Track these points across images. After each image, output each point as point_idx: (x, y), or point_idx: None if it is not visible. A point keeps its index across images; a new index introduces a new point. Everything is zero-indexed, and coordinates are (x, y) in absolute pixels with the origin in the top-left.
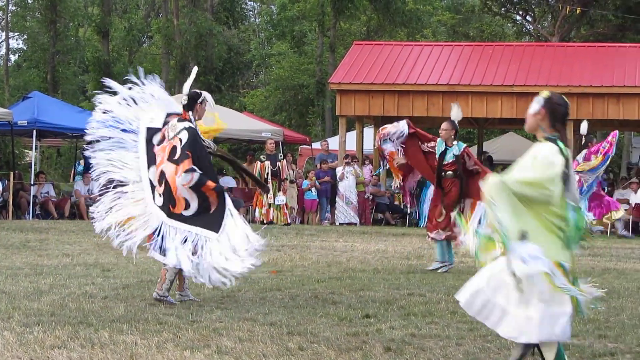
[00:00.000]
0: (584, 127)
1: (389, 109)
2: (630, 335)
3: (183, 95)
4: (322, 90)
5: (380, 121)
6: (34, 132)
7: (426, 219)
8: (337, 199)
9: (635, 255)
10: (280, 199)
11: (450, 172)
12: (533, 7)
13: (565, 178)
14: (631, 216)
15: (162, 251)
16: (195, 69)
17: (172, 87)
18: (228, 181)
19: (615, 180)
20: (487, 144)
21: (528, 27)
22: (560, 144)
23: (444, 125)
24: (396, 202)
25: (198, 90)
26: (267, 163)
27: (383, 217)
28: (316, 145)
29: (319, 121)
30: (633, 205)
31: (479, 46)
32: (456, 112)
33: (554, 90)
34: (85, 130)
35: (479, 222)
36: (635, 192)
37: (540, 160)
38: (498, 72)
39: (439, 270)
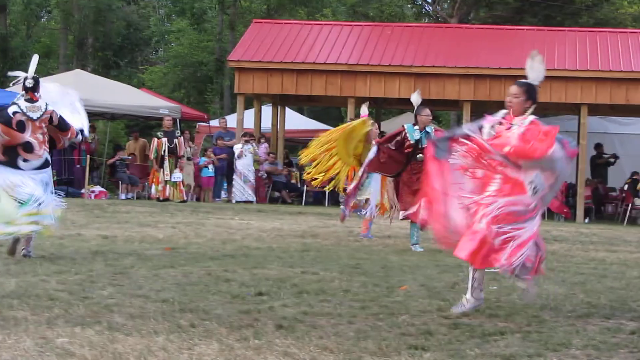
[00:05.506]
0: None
1: (288, 88)
2: (520, 315)
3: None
4: (221, 68)
5: (278, 99)
6: None
7: (376, 208)
8: (234, 176)
9: None
10: (177, 176)
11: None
12: None
13: None
14: None
15: None
16: (36, 57)
17: (70, 63)
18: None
19: None
20: (385, 124)
21: (427, 9)
22: None
23: (427, 111)
24: (293, 181)
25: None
26: (164, 140)
27: (280, 195)
28: (214, 122)
29: (218, 99)
30: None
31: (378, 26)
32: (416, 97)
33: (452, 72)
34: None
35: None
36: None
37: None
38: (397, 53)
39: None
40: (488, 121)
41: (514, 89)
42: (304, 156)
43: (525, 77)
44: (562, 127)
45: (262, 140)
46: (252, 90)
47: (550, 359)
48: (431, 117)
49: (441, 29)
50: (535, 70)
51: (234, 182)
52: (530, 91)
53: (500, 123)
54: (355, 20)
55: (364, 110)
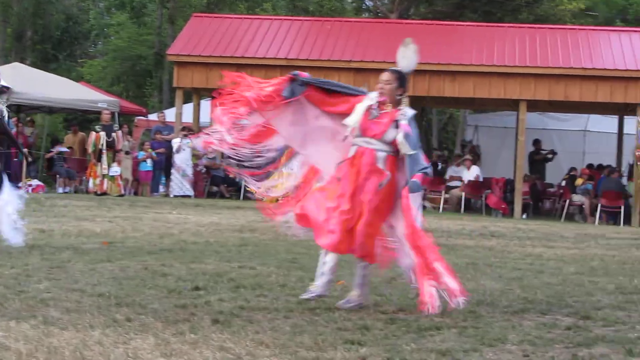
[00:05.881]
0: None
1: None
2: (456, 310)
3: None
4: (160, 62)
5: (217, 94)
6: None
7: None
8: (172, 171)
9: (465, 231)
10: (115, 169)
11: None
12: None
13: None
14: (463, 193)
15: None
16: None
17: (9, 56)
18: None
19: (448, 157)
20: None
21: (367, 4)
22: None
23: None
24: (231, 175)
25: None
26: (102, 134)
27: (218, 189)
28: (153, 116)
29: (157, 93)
30: (466, 182)
31: (318, 21)
32: None
33: (391, 67)
34: None
35: None
36: (469, 169)
37: None
38: (336, 47)
39: None
40: (368, 100)
41: (386, 75)
42: None
43: (461, 72)
44: (501, 123)
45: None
46: (191, 85)
47: (486, 354)
48: None
49: (381, 24)
50: (407, 59)
51: (172, 177)
52: (402, 79)
53: (373, 108)
54: (295, 14)
55: None
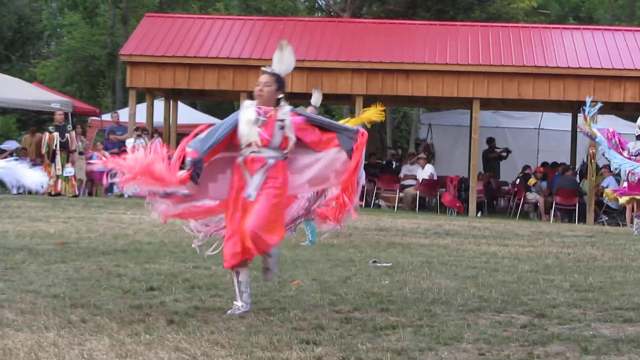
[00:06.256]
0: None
1: (180, 82)
2: (412, 309)
3: None
4: (113, 62)
5: (171, 94)
6: None
7: None
8: None
9: (420, 230)
10: (69, 170)
11: None
12: None
13: None
14: (418, 192)
15: None
16: None
17: None
18: (12, 144)
19: (402, 156)
20: None
21: (320, 3)
22: None
23: (310, 109)
24: None
25: None
26: (56, 134)
27: None
28: (106, 117)
29: (110, 93)
30: (420, 181)
31: (271, 20)
32: (317, 98)
33: (344, 67)
34: None
35: None
36: (423, 167)
37: None
38: None
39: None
40: (255, 113)
41: (264, 77)
42: None
43: (414, 71)
44: (455, 121)
45: (156, 135)
46: (145, 85)
47: (442, 353)
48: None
49: (334, 23)
50: (284, 62)
51: None
52: (280, 81)
53: (259, 115)
54: (248, 14)
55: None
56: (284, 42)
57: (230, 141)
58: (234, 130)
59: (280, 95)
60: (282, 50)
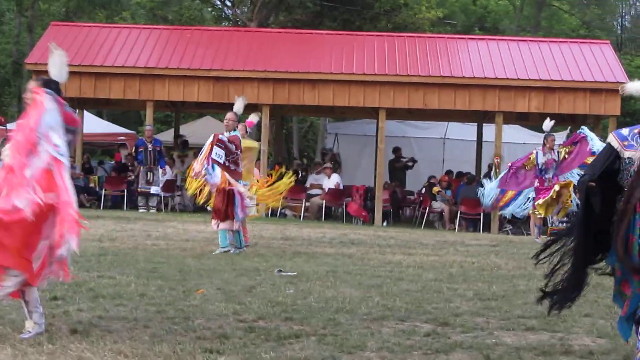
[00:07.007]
0: (547, 125)
1: (86, 91)
2: (316, 318)
3: None
4: (19, 71)
5: (76, 103)
6: None
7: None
8: None
9: (326, 239)
10: None
11: None
12: None
13: None
14: (324, 201)
15: None
16: None
17: None
18: None
19: (309, 165)
20: (184, 127)
21: (227, 12)
22: None
23: (230, 115)
24: (91, 185)
25: None
26: None
27: (78, 199)
28: (11, 126)
29: (15, 102)
30: (326, 190)
31: (177, 29)
32: (239, 105)
33: (251, 76)
34: None
35: None
36: (329, 177)
37: None
38: (196, 56)
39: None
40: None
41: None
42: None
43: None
44: (361, 130)
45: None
46: None
47: None
48: (236, 122)
49: (240, 32)
50: (57, 67)
51: None
52: (49, 84)
53: None
54: (155, 23)
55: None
56: (53, 45)
57: None
58: None
59: None
60: (53, 54)
